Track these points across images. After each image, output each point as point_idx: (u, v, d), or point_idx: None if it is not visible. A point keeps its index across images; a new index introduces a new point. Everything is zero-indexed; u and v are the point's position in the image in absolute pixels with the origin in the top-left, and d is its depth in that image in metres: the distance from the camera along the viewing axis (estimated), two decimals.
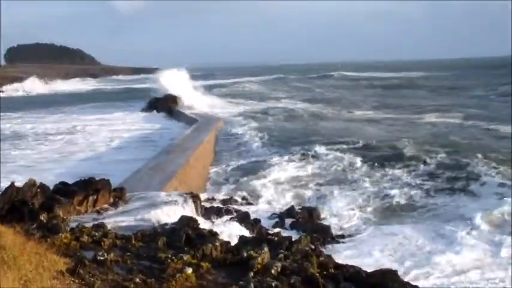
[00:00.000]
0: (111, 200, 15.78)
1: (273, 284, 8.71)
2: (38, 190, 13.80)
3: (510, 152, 26.79)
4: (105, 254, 9.21)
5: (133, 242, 10.95)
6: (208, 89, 73.79)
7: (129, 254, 9.88)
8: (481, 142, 31.67)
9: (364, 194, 21.70)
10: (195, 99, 60.69)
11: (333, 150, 29.08)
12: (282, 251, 10.97)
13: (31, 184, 13.86)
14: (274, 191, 22.85)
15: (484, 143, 31.42)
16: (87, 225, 11.96)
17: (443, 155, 26.78)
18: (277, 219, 19.49)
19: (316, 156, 27.98)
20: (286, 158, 28.09)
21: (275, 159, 28.08)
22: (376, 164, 25.95)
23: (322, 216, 19.73)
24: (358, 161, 26.60)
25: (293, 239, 12.28)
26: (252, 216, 19.09)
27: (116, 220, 13.85)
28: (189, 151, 27.37)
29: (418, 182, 22.95)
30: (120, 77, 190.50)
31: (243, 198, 22.38)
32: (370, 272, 10.04)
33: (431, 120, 44.80)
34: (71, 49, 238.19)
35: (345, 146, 30.07)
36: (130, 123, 48.17)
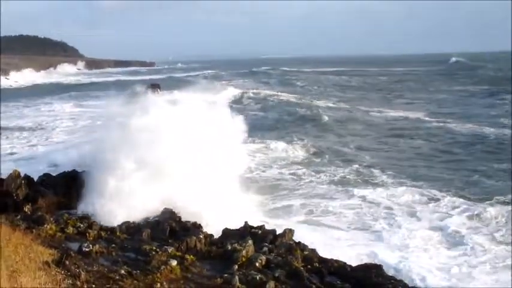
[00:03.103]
0: None
1: (257, 277, 8.74)
2: (23, 182, 13.76)
3: None
4: (91, 246, 9.22)
5: (118, 233, 10.95)
6: None
7: (114, 245, 9.88)
8: None
9: None
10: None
11: None
12: (266, 244, 10.99)
13: (15, 176, 13.80)
14: None
15: None
16: (72, 216, 11.94)
17: None
18: None
19: None
20: None
21: None
22: None
23: None
24: None
25: (277, 233, 12.31)
26: None
27: None
28: None
29: None
30: (108, 69, 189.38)
31: None
32: (355, 266, 10.09)
33: None
34: (54, 41, 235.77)
35: None
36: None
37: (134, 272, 8.41)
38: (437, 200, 19.44)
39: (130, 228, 11.53)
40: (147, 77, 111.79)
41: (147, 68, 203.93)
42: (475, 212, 18.28)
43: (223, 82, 76.47)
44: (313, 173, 23.16)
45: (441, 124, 38.69)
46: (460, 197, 20.02)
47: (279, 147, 28.33)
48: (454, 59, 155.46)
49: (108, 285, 7.73)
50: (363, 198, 19.46)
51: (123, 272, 8.30)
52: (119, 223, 11.92)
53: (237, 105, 47.92)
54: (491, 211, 18.25)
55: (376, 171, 23.63)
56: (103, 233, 10.78)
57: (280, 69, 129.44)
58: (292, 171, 23.63)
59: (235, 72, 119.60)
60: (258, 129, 33.84)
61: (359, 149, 28.91)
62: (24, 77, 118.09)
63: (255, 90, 61.49)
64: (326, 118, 39.99)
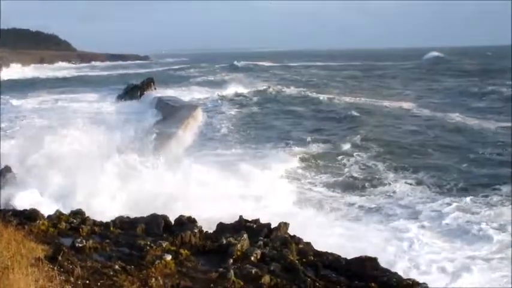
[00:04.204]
0: None
1: (253, 271, 8.69)
2: None
3: None
4: (84, 241, 9.14)
5: (111, 229, 10.88)
6: None
7: (107, 241, 9.81)
8: None
9: None
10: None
11: None
12: (261, 238, 10.93)
13: (5, 171, 13.73)
14: None
15: None
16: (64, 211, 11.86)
17: None
18: None
19: None
20: None
21: None
22: None
23: None
24: None
25: (272, 226, 12.25)
26: None
27: None
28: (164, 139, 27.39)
29: None
30: (98, 63, 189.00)
31: None
32: (350, 259, 10.04)
33: None
34: (47, 34, 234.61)
35: None
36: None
37: (128, 267, 8.34)
38: (435, 198, 19.71)
39: (125, 223, 11.45)
40: (134, 71, 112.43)
41: (141, 61, 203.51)
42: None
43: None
44: None
45: (434, 114, 39.90)
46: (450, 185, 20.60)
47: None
48: (434, 53, 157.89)
49: (102, 281, 7.66)
50: None
51: (117, 267, 8.24)
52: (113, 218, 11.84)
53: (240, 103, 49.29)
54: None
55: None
56: (96, 228, 10.70)
57: (269, 64, 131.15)
58: None
59: (227, 66, 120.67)
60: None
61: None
62: (14, 71, 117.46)
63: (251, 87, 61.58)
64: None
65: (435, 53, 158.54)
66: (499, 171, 22.91)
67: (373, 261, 9.92)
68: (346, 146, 28.03)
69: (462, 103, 48.54)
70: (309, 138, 29.94)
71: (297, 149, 27.69)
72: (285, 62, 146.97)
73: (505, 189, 20.12)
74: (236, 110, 45.49)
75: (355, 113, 40.79)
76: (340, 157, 25.67)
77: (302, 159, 25.31)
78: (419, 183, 21.35)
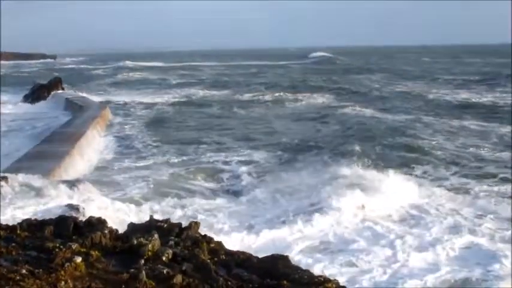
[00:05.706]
0: None
1: (165, 271, 8.67)
2: None
3: None
4: None
5: (18, 232, 10.57)
6: None
7: (14, 244, 9.52)
8: None
9: None
10: None
11: None
12: (172, 237, 10.90)
13: None
14: None
15: None
16: None
17: None
18: None
19: None
20: None
21: None
22: None
23: None
24: None
25: (183, 226, 12.22)
26: None
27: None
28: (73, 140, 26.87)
29: None
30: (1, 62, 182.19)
31: None
32: (262, 258, 10.17)
33: None
34: None
35: None
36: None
37: (36, 271, 8.13)
38: None
39: (32, 226, 11.14)
40: (39, 69, 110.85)
41: (48, 60, 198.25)
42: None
43: None
44: None
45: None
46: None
47: None
48: (320, 53, 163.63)
49: (8, 287, 7.45)
50: None
51: (24, 271, 8.01)
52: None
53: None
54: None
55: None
56: (2, 232, 10.34)
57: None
58: None
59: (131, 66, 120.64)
60: None
61: None
62: None
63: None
64: None
65: (320, 53, 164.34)
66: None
67: (284, 259, 10.09)
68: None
69: (354, 98, 51.78)
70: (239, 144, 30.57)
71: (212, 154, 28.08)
72: (187, 61, 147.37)
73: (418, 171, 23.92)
74: (144, 110, 45.35)
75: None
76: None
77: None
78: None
